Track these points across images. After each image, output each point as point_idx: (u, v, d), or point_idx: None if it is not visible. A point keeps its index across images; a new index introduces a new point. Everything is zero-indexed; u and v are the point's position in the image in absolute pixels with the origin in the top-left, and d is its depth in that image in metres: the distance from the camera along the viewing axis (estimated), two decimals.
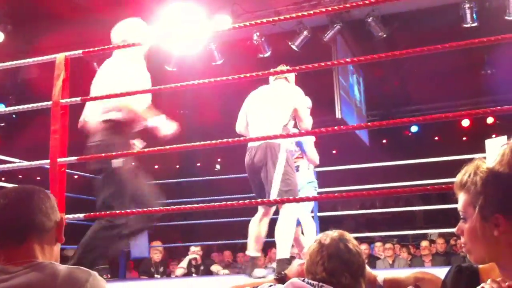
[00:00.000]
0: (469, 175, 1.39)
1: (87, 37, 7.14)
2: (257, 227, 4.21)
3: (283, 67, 4.28)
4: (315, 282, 1.80)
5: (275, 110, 4.21)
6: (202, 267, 7.59)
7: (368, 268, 2.06)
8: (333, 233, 1.93)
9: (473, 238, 1.36)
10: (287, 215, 4.04)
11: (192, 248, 7.60)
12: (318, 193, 5.50)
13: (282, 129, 4.15)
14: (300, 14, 3.09)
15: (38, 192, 1.61)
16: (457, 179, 1.43)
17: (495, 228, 1.31)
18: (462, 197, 1.41)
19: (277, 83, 4.42)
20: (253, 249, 4.14)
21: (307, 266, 1.91)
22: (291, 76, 4.50)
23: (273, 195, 3.94)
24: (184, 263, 7.58)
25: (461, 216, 1.41)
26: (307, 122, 4.39)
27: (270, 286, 1.94)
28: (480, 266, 1.43)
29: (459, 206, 1.41)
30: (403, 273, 2.07)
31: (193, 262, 7.52)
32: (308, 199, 4.52)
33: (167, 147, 3.12)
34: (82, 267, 1.51)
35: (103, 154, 3.31)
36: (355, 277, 1.83)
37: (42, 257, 1.52)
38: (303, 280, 1.82)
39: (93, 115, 3.67)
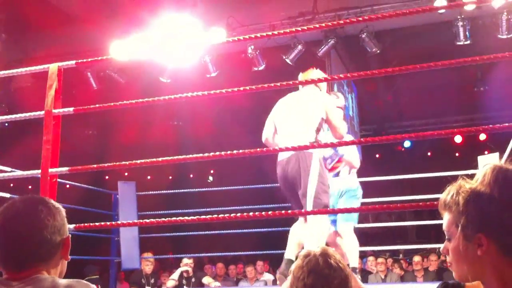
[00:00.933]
0: (452, 195, 1.39)
1: (81, 47, 7.15)
2: (298, 232, 4.12)
3: (312, 72, 4.27)
4: None
5: (303, 117, 4.08)
6: (193, 279, 7.54)
7: (360, 283, 2.06)
8: (316, 249, 1.98)
9: (457, 257, 1.37)
10: (314, 225, 3.96)
11: (185, 260, 7.56)
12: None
13: (313, 138, 4.02)
14: (294, 29, 3.11)
15: (46, 207, 1.58)
16: (441, 198, 1.44)
17: (478, 248, 1.31)
18: (446, 216, 1.41)
19: (306, 89, 4.28)
20: (291, 253, 4.07)
21: (291, 282, 1.94)
22: (323, 84, 4.37)
23: (309, 207, 3.89)
24: (175, 275, 7.54)
25: (446, 236, 1.41)
26: (342, 128, 4.22)
27: None
28: (467, 284, 1.44)
29: (444, 225, 1.42)
30: None
31: (185, 274, 7.48)
32: (306, 212, 4.47)
33: (160, 159, 3.11)
34: (81, 280, 1.51)
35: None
36: None
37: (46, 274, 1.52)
38: None
39: None
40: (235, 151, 3.08)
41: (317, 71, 4.33)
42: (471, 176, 1.43)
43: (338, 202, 4.76)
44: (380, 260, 7.94)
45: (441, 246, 1.42)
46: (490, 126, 2.89)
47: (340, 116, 4.44)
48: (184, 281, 7.45)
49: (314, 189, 3.89)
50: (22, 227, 1.53)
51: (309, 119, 4.06)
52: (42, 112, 3.16)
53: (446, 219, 1.41)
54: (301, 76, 4.31)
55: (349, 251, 4.67)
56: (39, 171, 3.07)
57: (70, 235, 1.62)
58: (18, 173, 3.66)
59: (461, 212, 1.35)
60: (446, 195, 1.41)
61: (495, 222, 1.30)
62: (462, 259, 1.36)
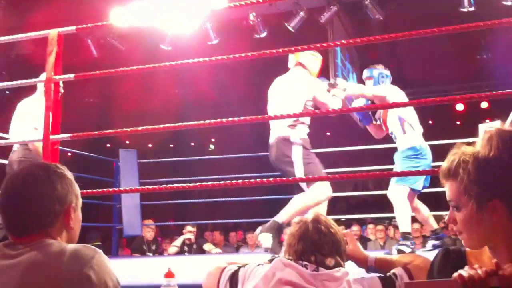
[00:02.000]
0: (457, 163, 1.37)
1: (81, 14, 7.07)
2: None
3: (302, 54, 4.31)
4: (299, 261, 1.88)
5: (285, 99, 4.13)
6: (194, 246, 7.63)
7: (360, 248, 2.09)
8: (308, 216, 2.02)
9: (469, 226, 1.35)
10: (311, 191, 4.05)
11: (188, 228, 7.63)
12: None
13: (294, 122, 4.05)
14: None
15: (46, 174, 1.58)
16: (443, 167, 1.41)
17: (492, 214, 1.30)
18: (450, 185, 1.39)
19: (292, 72, 4.36)
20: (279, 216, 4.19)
21: (285, 249, 1.99)
22: (309, 62, 4.38)
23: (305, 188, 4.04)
24: (178, 241, 7.61)
25: (453, 205, 1.39)
26: (331, 103, 4.25)
27: (258, 265, 1.97)
28: (468, 249, 1.44)
29: (449, 195, 1.40)
30: (394, 255, 2.10)
31: (187, 242, 7.55)
32: (294, 180, 4.46)
33: (161, 126, 3.11)
34: (88, 245, 1.52)
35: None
36: (328, 255, 1.89)
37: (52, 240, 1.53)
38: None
39: None
40: (236, 118, 3.08)
41: (306, 53, 4.33)
42: (471, 144, 1.41)
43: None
44: (379, 227, 8.00)
45: (441, 214, 1.41)
46: (492, 92, 2.88)
47: (325, 94, 4.39)
48: (186, 248, 7.53)
49: (303, 174, 3.97)
50: (21, 195, 1.54)
51: (292, 101, 4.09)
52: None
53: (451, 188, 1.39)
54: (291, 58, 4.36)
55: (397, 216, 4.83)
56: (41, 137, 3.08)
57: (74, 204, 1.62)
58: (20, 140, 3.67)
59: (473, 180, 1.33)
60: (449, 164, 1.39)
61: (508, 187, 1.29)
62: (475, 227, 1.34)
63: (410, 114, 5.00)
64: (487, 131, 1.37)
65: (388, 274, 1.92)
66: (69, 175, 1.64)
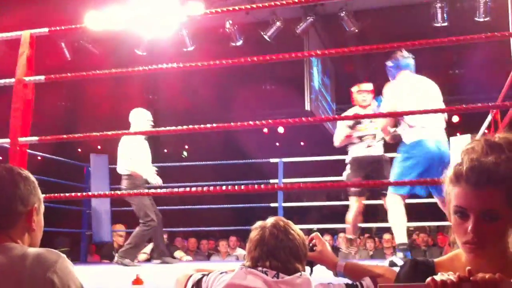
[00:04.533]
0: (506, 168, 1.23)
1: (55, 17, 7.00)
2: None
3: None
4: (259, 268, 1.86)
5: None
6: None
7: (330, 251, 2.07)
8: (268, 221, 1.98)
9: (500, 238, 1.26)
10: None
11: None
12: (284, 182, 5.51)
13: None
14: (273, 3, 3.08)
15: (10, 175, 1.56)
16: (483, 169, 1.24)
17: None
18: (495, 192, 1.24)
19: None
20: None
21: (245, 256, 1.98)
22: None
23: None
24: (147, 248, 7.52)
25: (491, 215, 1.24)
26: None
27: (221, 273, 1.95)
28: (436, 260, 1.40)
29: (489, 202, 1.24)
30: (365, 264, 2.09)
31: None
32: (272, 188, 4.49)
33: (132, 131, 3.08)
34: (51, 249, 1.49)
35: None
36: (285, 261, 1.87)
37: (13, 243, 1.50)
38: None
39: None
40: (208, 125, 3.06)
41: None
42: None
43: None
44: None
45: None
46: (463, 106, 2.91)
47: None
48: (155, 255, 7.45)
49: None
50: None
51: None
52: (13, 80, 3.10)
53: (494, 195, 1.24)
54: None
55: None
56: (8, 140, 3.02)
57: (37, 206, 1.59)
58: None
59: (507, 189, 1.22)
60: (493, 167, 1.24)
61: None
62: (502, 239, 1.26)
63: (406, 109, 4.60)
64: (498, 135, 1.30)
65: (355, 283, 1.91)
66: (32, 178, 1.62)
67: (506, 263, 1.29)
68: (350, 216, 5.47)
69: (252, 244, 1.92)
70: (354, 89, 5.58)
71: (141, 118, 5.44)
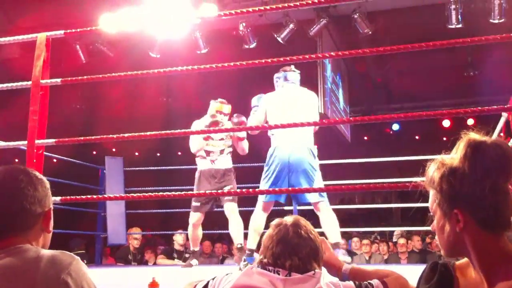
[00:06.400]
0: (432, 171, 1.37)
1: (70, 20, 7.06)
2: None
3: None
4: (270, 268, 1.87)
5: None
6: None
7: (336, 258, 2.08)
8: (288, 219, 2.00)
9: (440, 234, 1.36)
10: None
11: (178, 238, 7.58)
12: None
13: None
14: (286, 5, 3.08)
15: (27, 177, 1.56)
16: (426, 174, 1.42)
17: (456, 224, 1.30)
18: (430, 193, 1.40)
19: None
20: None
21: (261, 251, 1.98)
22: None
23: None
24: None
25: (431, 213, 1.41)
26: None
27: (228, 274, 1.96)
28: (457, 262, 1.43)
29: (429, 202, 1.41)
30: (371, 267, 2.10)
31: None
32: (294, 191, 4.50)
33: (148, 133, 3.10)
34: (66, 251, 1.50)
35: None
36: (305, 260, 1.88)
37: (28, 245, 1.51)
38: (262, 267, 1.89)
39: None
40: (223, 127, 3.07)
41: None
42: None
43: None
44: (365, 241, 8.00)
45: (425, 228, 1.41)
46: (479, 108, 2.89)
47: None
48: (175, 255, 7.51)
49: None
50: (2, 196, 1.52)
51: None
52: (29, 83, 3.13)
53: (429, 196, 1.40)
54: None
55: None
56: (25, 142, 3.04)
57: (52, 208, 1.61)
58: (3, 143, 3.63)
59: (437, 189, 1.34)
60: (428, 170, 1.39)
61: (468, 198, 1.29)
62: (443, 236, 1.35)
63: (272, 118, 4.71)
64: (462, 138, 1.36)
65: (364, 282, 1.91)
66: (46, 180, 1.63)
67: None
68: (190, 230, 5.57)
69: (272, 241, 1.92)
70: (215, 105, 5.42)
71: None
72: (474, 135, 1.36)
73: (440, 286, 1.38)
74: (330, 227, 4.46)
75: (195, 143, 5.33)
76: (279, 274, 1.84)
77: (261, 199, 4.59)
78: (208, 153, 5.40)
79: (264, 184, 4.56)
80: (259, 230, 4.58)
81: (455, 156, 1.35)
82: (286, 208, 6.64)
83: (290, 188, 4.45)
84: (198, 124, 5.33)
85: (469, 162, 1.30)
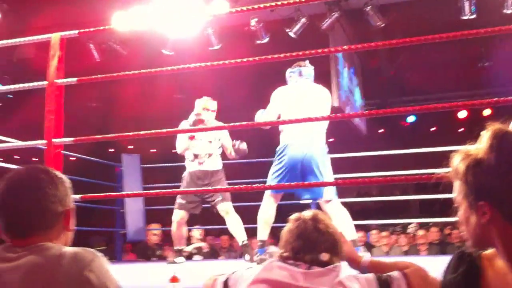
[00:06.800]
0: (456, 162, 1.35)
1: (83, 19, 7.11)
2: None
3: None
4: (291, 261, 1.88)
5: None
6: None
7: (354, 251, 2.09)
8: (307, 213, 2.01)
9: (465, 225, 1.35)
10: None
11: (195, 234, 7.62)
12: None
13: None
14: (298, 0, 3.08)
15: (48, 180, 1.59)
16: (451, 165, 1.39)
17: (482, 216, 1.28)
18: (455, 185, 1.38)
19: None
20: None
21: (280, 245, 1.99)
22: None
23: None
24: (188, 248, 7.62)
25: (456, 204, 1.38)
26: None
27: (248, 268, 1.99)
28: (484, 252, 1.41)
29: (454, 194, 1.39)
30: (391, 259, 2.09)
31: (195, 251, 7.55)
32: (304, 185, 4.50)
33: (164, 130, 3.12)
34: (88, 248, 1.53)
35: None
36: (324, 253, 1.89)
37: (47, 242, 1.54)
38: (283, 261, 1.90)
39: None
40: (237, 123, 3.09)
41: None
42: None
43: None
44: (384, 234, 7.98)
45: (444, 220, 1.39)
46: (495, 99, 2.88)
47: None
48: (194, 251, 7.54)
49: None
50: (23, 195, 1.55)
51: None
52: (45, 82, 3.16)
53: (454, 187, 1.38)
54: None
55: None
56: (44, 141, 3.09)
57: (73, 207, 1.64)
58: (22, 143, 3.69)
59: (463, 180, 1.32)
60: (453, 162, 1.37)
61: (495, 190, 1.27)
62: (469, 227, 1.34)
63: (284, 114, 4.68)
64: (488, 129, 1.34)
65: (384, 275, 1.91)
66: (67, 179, 1.66)
67: None
68: (173, 227, 5.54)
69: (292, 235, 1.94)
70: (201, 102, 5.46)
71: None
72: (500, 126, 1.34)
73: (467, 276, 1.37)
74: (344, 224, 4.39)
75: (180, 143, 5.36)
76: (299, 267, 1.85)
77: (269, 191, 4.60)
78: (196, 156, 5.40)
79: (272, 180, 4.54)
80: (270, 221, 4.59)
81: (480, 147, 1.32)
82: (302, 202, 6.67)
83: (293, 184, 4.46)
84: (185, 124, 5.29)
85: (495, 153, 1.28)
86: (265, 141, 5.52)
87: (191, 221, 5.82)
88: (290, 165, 4.44)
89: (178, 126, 5.20)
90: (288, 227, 1.99)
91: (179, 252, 5.55)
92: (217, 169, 5.49)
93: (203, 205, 5.52)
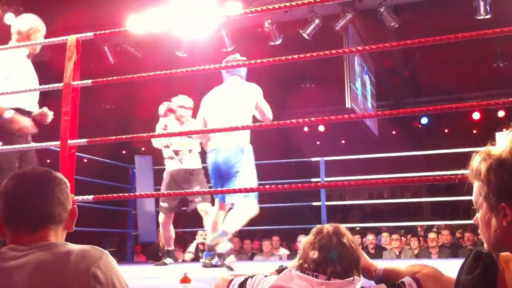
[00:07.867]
0: (477, 162, 1.33)
1: (98, 22, 7.16)
2: None
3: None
4: (309, 272, 1.88)
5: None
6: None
7: (367, 258, 2.08)
8: (328, 227, 1.99)
9: (484, 227, 1.33)
10: None
11: (200, 232, 7.63)
12: (326, 180, 5.46)
13: None
14: (312, 0, 3.08)
15: (56, 179, 1.62)
16: (470, 165, 1.37)
17: (503, 218, 1.26)
18: (474, 185, 1.36)
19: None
20: None
21: (300, 255, 1.97)
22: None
23: None
24: (192, 247, 7.61)
25: (475, 206, 1.36)
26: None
27: (266, 276, 1.97)
28: (502, 254, 1.36)
29: (473, 195, 1.37)
30: (403, 264, 2.08)
31: (200, 247, 7.54)
32: (316, 186, 4.50)
33: (177, 131, 3.13)
34: (95, 246, 1.55)
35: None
36: (347, 268, 1.89)
37: (54, 240, 1.56)
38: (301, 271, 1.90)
39: None
40: (252, 124, 3.09)
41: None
42: None
43: None
44: (395, 236, 7.94)
45: (456, 222, 1.37)
46: (510, 99, 2.85)
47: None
48: (200, 254, 7.53)
49: None
50: (38, 188, 1.57)
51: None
52: (61, 84, 3.19)
53: (474, 188, 1.36)
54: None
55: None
56: (58, 142, 3.11)
57: (75, 207, 1.66)
58: (37, 144, 3.71)
59: (484, 181, 1.30)
60: (473, 162, 1.35)
61: None
62: (489, 229, 1.31)
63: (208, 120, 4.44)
64: (511, 129, 1.32)
65: (397, 282, 1.90)
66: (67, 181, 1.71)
67: None
68: (160, 230, 5.71)
69: (314, 247, 1.92)
70: (177, 100, 5.54)
71: None
72: None
73: (484, 277, 1.33)
74: (234, 216, 4.28)
75: (157, 138, 5.39)
76: (318, 278, 1.85)
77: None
78: (176, 152, 5.44)
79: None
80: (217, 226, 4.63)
81: (502, 147, 1.31)
82: (314, 204, 6.67)
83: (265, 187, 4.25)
84: (162, 120, 5.46)
85: None
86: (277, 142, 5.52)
87: (199, 224, 5.84)
88: (212, 170, 4.44)
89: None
90: (309, 239, 1.97)
91: (168, 253, 5.74)
92: (197, 167, 5.57)
93: None
